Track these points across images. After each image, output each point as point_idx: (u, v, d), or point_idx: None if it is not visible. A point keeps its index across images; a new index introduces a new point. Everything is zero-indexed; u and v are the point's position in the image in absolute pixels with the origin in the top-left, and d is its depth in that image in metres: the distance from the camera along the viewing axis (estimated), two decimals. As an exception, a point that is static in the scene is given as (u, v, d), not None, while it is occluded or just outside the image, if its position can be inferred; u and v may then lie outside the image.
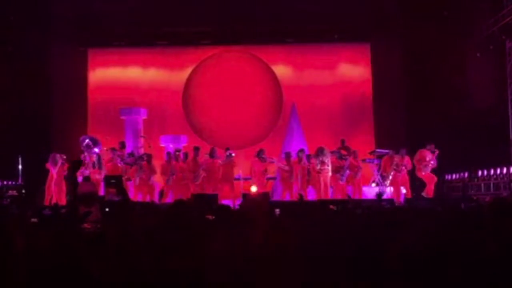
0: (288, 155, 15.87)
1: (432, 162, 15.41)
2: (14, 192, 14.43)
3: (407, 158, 15.51)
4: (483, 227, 4.35)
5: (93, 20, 18.43)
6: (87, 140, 15.24)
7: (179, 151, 16.23)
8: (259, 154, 15.75)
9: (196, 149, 15.84)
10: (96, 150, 15.18)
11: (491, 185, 15.31)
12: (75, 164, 12.93)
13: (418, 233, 4.26)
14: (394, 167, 15.45)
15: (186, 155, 15.98)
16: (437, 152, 15.42)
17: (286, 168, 15.67)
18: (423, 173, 15.46)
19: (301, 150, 15.83)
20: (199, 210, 3.63)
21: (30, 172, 15.82)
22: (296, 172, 15.60)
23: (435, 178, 15.53)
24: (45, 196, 15.10)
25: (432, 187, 15.43)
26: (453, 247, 3.41)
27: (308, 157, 15.67)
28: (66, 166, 15.20)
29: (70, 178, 13.22)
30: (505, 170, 14.93)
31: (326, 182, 15.35)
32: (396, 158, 15.48)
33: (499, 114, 16.53)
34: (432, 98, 17.41)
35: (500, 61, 16.71)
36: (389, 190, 15.53)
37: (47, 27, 18.03)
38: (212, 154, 15.66)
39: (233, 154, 15.68)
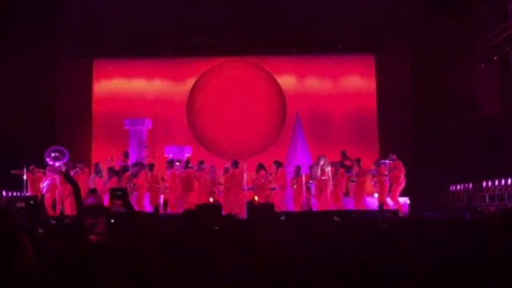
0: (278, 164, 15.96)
1: (386, 173, 15.45)
2: (23, 204, 14.45)
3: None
4: (490, 239, 4.34)
5: (98, 31, 18.52)
6: (53, 153, 15.23)
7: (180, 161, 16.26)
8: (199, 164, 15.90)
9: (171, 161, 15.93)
10: (62, 162, 15.18)
11: (496, 196, 15.26)
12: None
13: (423, 244, 4.26)
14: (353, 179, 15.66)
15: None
16: (387, 162, 15.43)
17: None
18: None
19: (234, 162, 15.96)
20: (207, 220, 3.65)
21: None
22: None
23: (384, 192, 15.48)
24: (45, 205, 15.18)
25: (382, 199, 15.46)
26: (458, 258, 3.41)
27: (310, 168, 15.77)
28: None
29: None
30: (509, 181, 14.88)
31: (326, 192, 15.39)
32: (355, 169, 15.66)
33: (504, 124, 16.51)
34: (436, 108, 17.41)
35: (505, 71, 16.71)
36: (389, 201, 15.54)
37: (53, 38, 18.18)
38: (201, 167, 15.80)
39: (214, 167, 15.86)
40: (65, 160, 15.14)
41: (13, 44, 17.52)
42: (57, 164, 15.06)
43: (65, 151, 15.33)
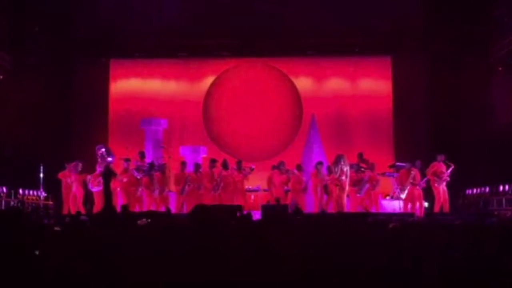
0: (299, 168, 15.85)
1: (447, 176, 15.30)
2: (39, 202, 14.57)
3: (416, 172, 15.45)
4: (507, 243, 4.31)
5: (115, 32, 18.59)
6: (102, 149, 15.33)
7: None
8: (280, 166, 15.78)
9: (213, 161, 15.92)
10: (110, 159, 15.25)
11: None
12: (108, 174, 13.04)
13: (440, 248, 4.23)
14: (411, 181, 15.35)
15: (197, 166, 16.00)
16: (452, 166, 15.24)
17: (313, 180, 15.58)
18: (436, 185, 15.33)
19: (319, 163, 15.77)
20: (221, 216, 3.62)
21: (51, 181, 15.98)
22: (315, 184, 15.56)
23: (446, 194, 15.37)
24: (64, 205, 15.32)
25: (445, 202, 15.28)
26: (476, 263, 3.38)
27: (329, 168, 15.61)
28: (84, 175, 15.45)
29: (106, 189, 13.40)
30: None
31: (343, 194, 15.25)
32: (413, 172, 15.38)
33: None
34: (452, 112, 17.31)
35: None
36: (398, 205, 15.44)
37: (69, 39, 18.27)
38: (225, 166, 15.74)
39: (253, 168, 15.77)
40: (111, 158, 15.20)
41: (30, 45, 17.65)
42: (108, 159, 15.12)
43: (112, 150, 15.43)
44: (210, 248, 3.07)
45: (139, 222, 8.96)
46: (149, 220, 8.91)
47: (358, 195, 15.38)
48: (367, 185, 15.39)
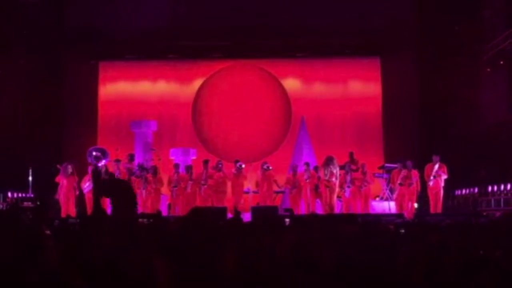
0: (294, 169, 15.87)
1: (435, 175, 15.23)
2: (29, 204, 14.48)
3: (414, 172, 15.42)
4: (496, 242, 4.34)
5: (104, 34, 18.54)
6: (94, 153, 15.24)
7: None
8: (262, 166, 15.83)
9: (206, 162, 15.93)
10: (104, 162, 15.18)
11: (502, 200, 15.22)
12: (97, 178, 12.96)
13: (427, 247, 4.25)
14: (400, 181, 15.37)
15: (191, 168, 15.99)
16: (438, 164, 15.22)
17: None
18: (431, 185, 15.38)
19: (306, 163, 15.80)
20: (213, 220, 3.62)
21: (41, 184, 15.91)
22: (305, 185, 15.60)
23: (440, 193, 15.37)
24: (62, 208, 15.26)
25: (436, 201, 15.29)
26: (464, 262, 3.40)
27: (316, 168, 15.63)
28: (76, 177, 15.38)
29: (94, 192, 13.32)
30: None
31: (333, 195, 15.28)
32: (403, 172, 15.39)
33: (510, 129, 16.47)
34: (442, 113, 17.38)
35: (511, 76, 16.67)
36: (393, 205, 15.48)
37: (59, 41, 18.21)
38: (218, 167, 15.73)
39: (243, 166, 15.73)
40: (106, 160, 15.13)
41: (20, 47, 17.58)
42: (99, 164, 15.03)
43: (107, 151, 15.32)
44: (204, 250, 3.08)
45: (140, 220, 8.97)
46: (151, 220, 8.92)
47: (345, 195, 15.42)
48: (348, 189, 15.33)
